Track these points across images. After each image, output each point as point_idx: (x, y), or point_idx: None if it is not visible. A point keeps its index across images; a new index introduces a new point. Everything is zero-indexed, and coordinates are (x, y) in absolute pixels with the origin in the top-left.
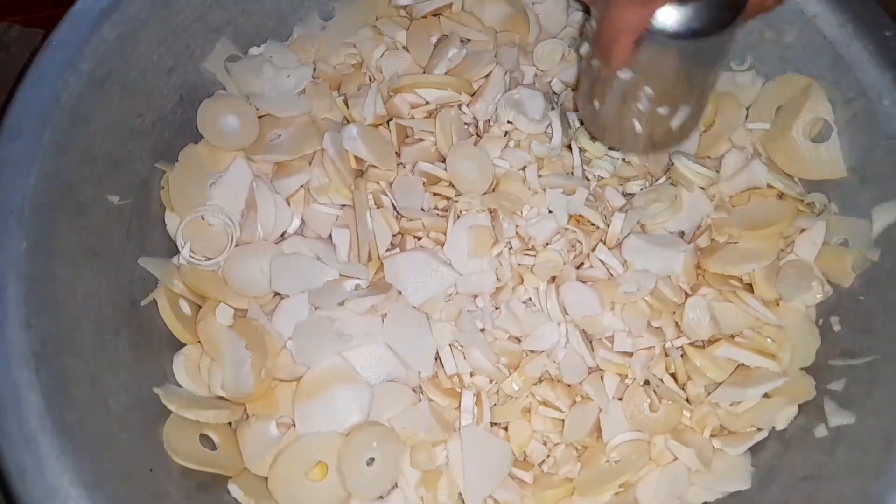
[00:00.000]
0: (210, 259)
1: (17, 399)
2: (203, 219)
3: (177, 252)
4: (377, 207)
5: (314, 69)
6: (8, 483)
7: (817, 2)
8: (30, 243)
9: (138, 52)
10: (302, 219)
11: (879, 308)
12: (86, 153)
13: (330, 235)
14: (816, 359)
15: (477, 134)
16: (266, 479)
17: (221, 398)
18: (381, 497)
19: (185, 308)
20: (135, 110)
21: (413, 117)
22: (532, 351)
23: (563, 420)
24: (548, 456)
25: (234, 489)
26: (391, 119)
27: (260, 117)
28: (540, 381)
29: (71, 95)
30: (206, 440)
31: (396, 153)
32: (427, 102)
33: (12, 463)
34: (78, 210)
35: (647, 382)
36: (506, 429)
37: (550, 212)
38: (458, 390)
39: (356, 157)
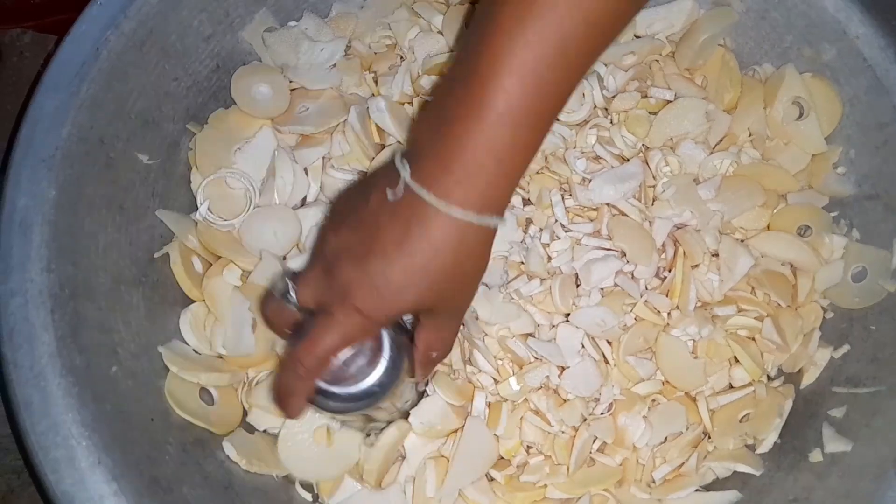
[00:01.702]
0: (226, 220)
1: (31, 336)
2: (225, 181)
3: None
4: None
5: (349, 45)
6: (15, 414)
7: (861, 23)
8: (58, 192)
9: (179, 17)
10: (321, 185)
11: (889, 339)
12: (120, 110)
13: None
14: (820, 384)
15: None
16: (260, 440)
17: (223, 357)
18: None
19: (198, 265)
20: (171, 73)
21: None
22: (538, 358)
23: (550, 434)
24: (525, 464)
25: (227, 447)
26: (417, 97)
27: (292, 90)
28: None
29: (110, 53)
30: (205, 394)
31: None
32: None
33: (21, 396)
34: (107, 164)
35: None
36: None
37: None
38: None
39: (379, 132)
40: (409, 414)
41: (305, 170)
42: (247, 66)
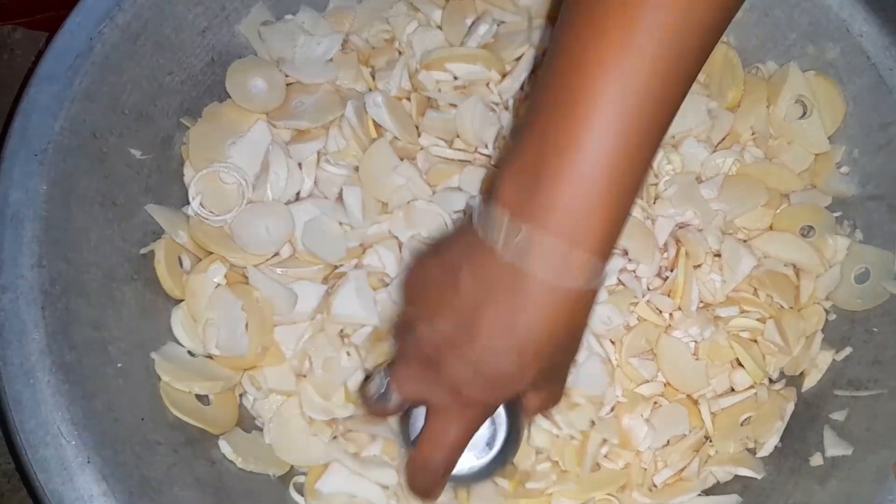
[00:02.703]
0: (218, 216)
1: (21, 333)
2: (218, 176)
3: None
4: None
5: (346, 40)
6: (4, 412)
7: (865, 21)
8: (50, 186)
9: (175, 10)
10: (315, 180)
11: (892, 341)
12: (113, 104)
13: (339, 195)
14: (821, 387)
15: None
16: (256, 439)
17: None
18: None
19: (187, 264)
20: (165, 67)
21: (440, 90)
22: None
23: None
24: (531, 470)
25: (223, 445)
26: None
27: (288, 84)
28: None
29: (104, 46)
30: (201, 395)
31: (416, 126)
32: (456, 78)
33: (11, 393)
34: (100, 159)
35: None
36: None
37: None
38: None
39: (375, 127)
40: None
41: (300, 165)
42: (242, 59)
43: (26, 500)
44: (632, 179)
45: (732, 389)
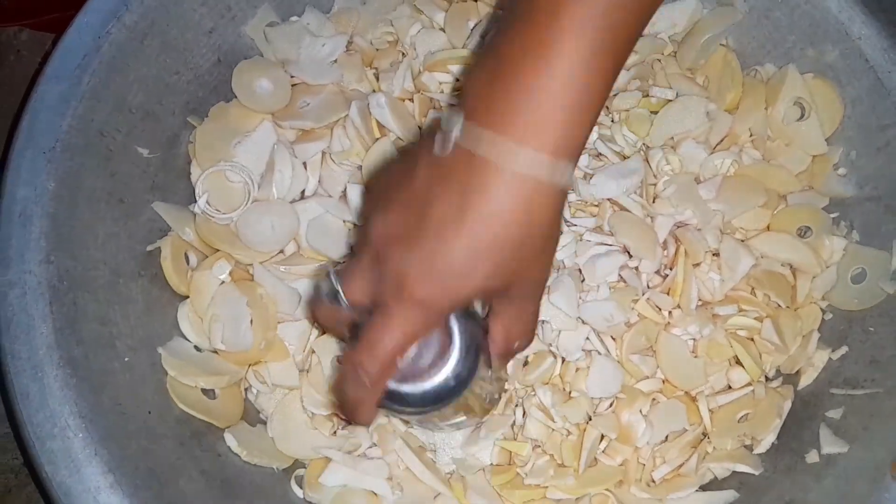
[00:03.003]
0: (224, 213)
1: (29, 328)
2: (224, 175)
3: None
4: None
5: (350, 41)
6: (13, 405)
7: (864, 24)
8: (57, 183)
9: (181, 10)
10: (319, 179)
11: (888, 341)
12: (120, 103)
13: (343, 193)
14: (818, 385)
15: None
16: (262, 432)
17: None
18: None
19: (193, 261)
20: (172, 67)
21: (443, 91)
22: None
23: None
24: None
25: (229, 438)
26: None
27: (293, 85)
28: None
29: (111, 46)
30: (207, 389)
31: (419, 127)
32: (458, 80)
33: (19, 387)
34: (107, 157)
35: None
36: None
37: None
38: None
39: (379, 127)
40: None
41: (304, 164)
42: (248, 60)
43: (34, 496)
44: (601, 80)
45: (730, 387)
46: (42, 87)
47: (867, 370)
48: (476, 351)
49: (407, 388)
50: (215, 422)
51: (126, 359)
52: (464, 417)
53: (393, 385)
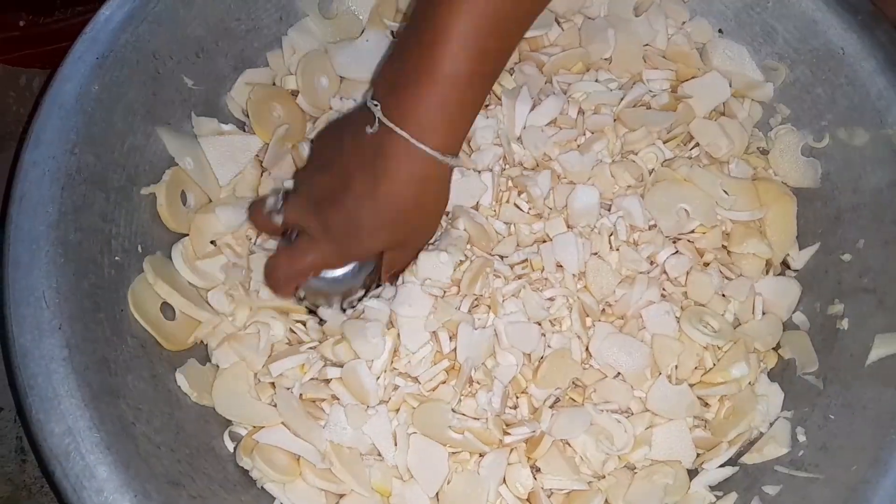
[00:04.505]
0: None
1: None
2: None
3: None
4: None
5: None
6: (3, 269)
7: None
8: (101, 88)
9: None
10: None
11: (845, 431)
12: (179, 33)
13: None
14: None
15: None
16: (211, 372)
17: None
18: None
19: (191, 200)
20: (235, 13)
21: None
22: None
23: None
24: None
25: (180, 379)
26: None
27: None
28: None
29: None
30: (168, 310)
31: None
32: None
33: (13, 255)
34: (153, 77)
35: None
36: None
37: None
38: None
39: None
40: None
41: None
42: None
43: None
44: (475, 93)
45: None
46: (111, 4)
47: (815, 455)
48: (372, 266)
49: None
50: (163, 341)
51: (116, 258)
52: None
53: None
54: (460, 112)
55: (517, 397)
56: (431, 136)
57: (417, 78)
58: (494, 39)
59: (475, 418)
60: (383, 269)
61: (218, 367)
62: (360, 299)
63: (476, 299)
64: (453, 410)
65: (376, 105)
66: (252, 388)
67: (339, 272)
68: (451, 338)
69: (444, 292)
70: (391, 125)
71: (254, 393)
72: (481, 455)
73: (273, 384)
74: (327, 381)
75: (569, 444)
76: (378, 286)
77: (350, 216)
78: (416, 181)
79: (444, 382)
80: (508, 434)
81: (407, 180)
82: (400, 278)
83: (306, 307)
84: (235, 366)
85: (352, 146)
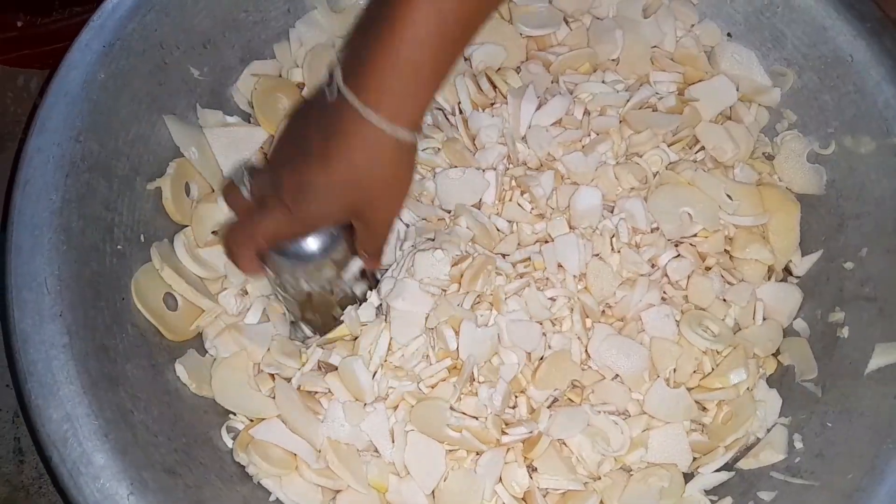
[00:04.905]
0: None
1: (41, 192)
2: None
3: None
4: None
5: None
6: (6, 255)
7: None
8: (107, 77)
9: None
10: None
11: (841, 438)
12: (186, 23)
13: None
14: (761, 465)
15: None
16: (210, 363)
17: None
18: None
19: (194, 192)
20: (243, 4)
21: None
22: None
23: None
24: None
25: (179, 369)
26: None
27: None
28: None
29: None
30: (170, 299)
31: None
32: None
33: (16, 241)
34: (160, 67)
35: None
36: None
37: None
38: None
39: None
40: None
41: None
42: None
43: None
44: (437, 62)
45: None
46: None
47: (811, 462)
48: (339, 238)
49: (283, 243)
50: (165, 332)
51: (119, 246)
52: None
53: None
54: (416, 83)
55: (516, 397)
56: (385, 104)
57: (375, 45)
58: (460, 7)
59: (473, 417)
60: (357, 248)
61: (215, 358)
62: (338, 280)
63: (478, 297)
64: (452, 408)
65: (338, 70)
66: (252, 379)
67: (301, 245)
68: (455, 334)
69: (445, 291)
70: (344, 89)
71: (253, 384)
72: (478, 453)
73: (273, 376)
74: (329, 368)
75: (565, 445)
76: (369, 280)
77: (302, 178)
78: (367, 147)
79: (444, 380)
80: (506, 434)
81: (358, 146)
82: (382, 272)
83: (282, 294)
84: (236, 356)
85: (314, 114)
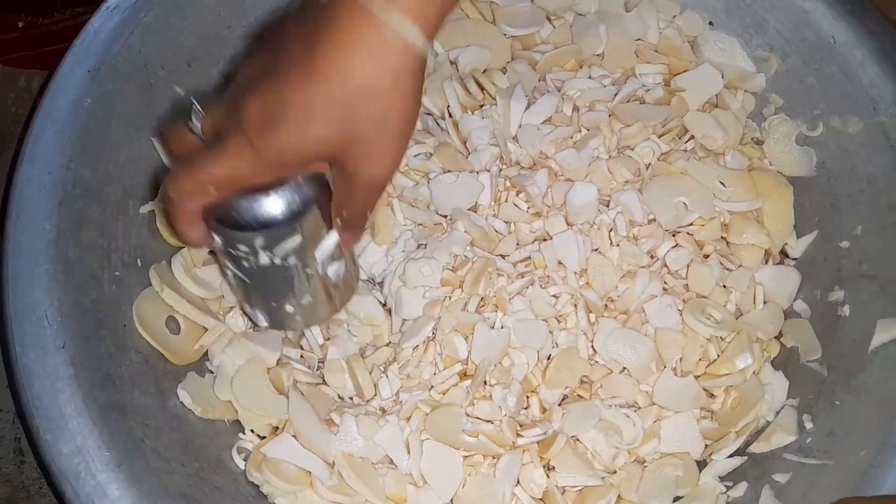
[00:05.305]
0: None
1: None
2: None
3: None
4: None
5: None
6: (3, 287)
7: (893, 102)
8: (95, 101)
9: None
10: None
11: (851, 416)
12: (170, 43)
13: None
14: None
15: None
16: (212, 384)
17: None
18: None
19: None
20: (226, 20)
21: None
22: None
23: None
24: None
25: (182, 395)
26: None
27: None
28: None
29: None
30: (172, 322)
31: None
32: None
33: (11, 272)
34: (146, 88)
35: None
36: None
37: None
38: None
39: None
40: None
41: None
42: None
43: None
44: None
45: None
46: (100, 17)
47: (823, 441)
48: (310, 198)
49: (236, 199)
50: (170, 356)
51: (116, 272)
52: (311, 299)
53: (227, 197)
54: None
55: (527, 397)
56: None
57: None
58: None
59: (488, 421)
60: (332, 206)
61: (215, 376)
62: (306, 257)
63: (481, 300)
64: (467, 414)
65: None
66: (269, 384)
67: (262, 202)
68: (465, 341)
69: (449, 296)
70: None
71: (272, 388)
72: (494, 457)
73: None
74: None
75: (579, 441)
76: (347, 263)
77: (273, 98)
78: (368, 52)
79: (455, 385)
80: (521, 436)
81: (355, 48)
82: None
83: (232, 270)
84: (250, 362)
85: (294, 17)
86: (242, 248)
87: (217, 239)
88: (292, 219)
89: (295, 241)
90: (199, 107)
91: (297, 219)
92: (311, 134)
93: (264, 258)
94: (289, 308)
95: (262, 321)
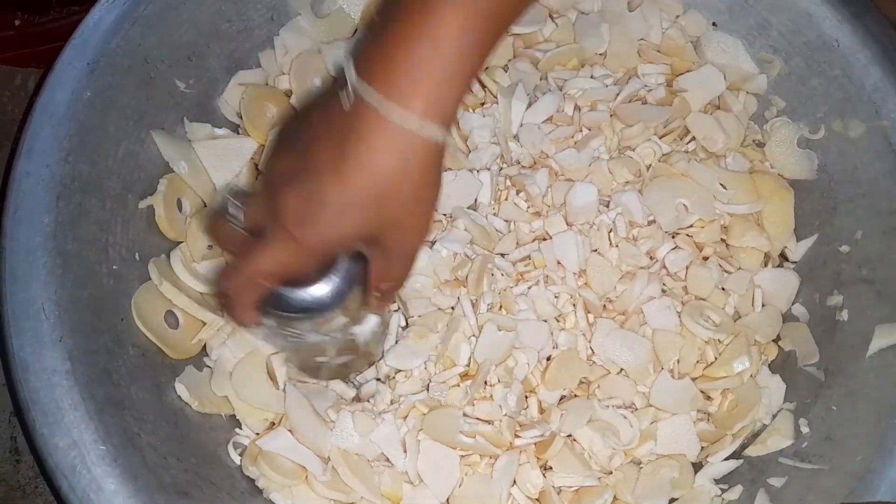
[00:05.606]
0: None
1: (33, 215)
2: None
3: None
4: None
5: None
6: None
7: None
8: (94, 94)
9: None
10: None
11: (848, 421)
12: (169, 37)
13: None
14: (769, 451)
15: None
16: (210, 378)
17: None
18: None
19: (186, 208)
20: (226, 15)
21: None
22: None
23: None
24: None
25: (180, 388)
26: None
27: None
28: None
29: None
30: (171, 317)
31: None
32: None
33: (10, 267)
34: (146, 81)
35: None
36: None
37: None
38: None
39: None
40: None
41: None
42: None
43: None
44: (475, 44)
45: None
46: (99, 10)
47: (819, 446)
48: (353, 280)
49: (287, 290)
50: (168, 351)
51: (115, 267)
52: (346, 359)
53: (279, 288)
54: (447, 74)
55: (527, 397)
56: (413, 95)
57: (400, 37)
58: (495, 7)
59: (486, 421)
60: (370, 283)
61: (213, 371)
62: (342, 327)
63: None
64: (465, 415)
65: (349, 62)
66: (268, 378)
67: (309, 293)
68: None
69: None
70: (360, 84)
71: (270, 382)
72: (491, 457)
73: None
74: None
75: (576, 441)
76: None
77: (310, 196)
78: (393, 151)
79: (456, 386)
80: (519, 436)
81: (382, 149)
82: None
83: (283, 351)
84: (251, 355)
85: (319, 119)
86: (292, 329)
87: (270, 322)
88: (338, 302)
89: (340, 321)
90: (235, 202)
91: (342, 300)
92: (347, 225)
93: (312, 337)
94: (323, 363)
95: (294, 368)
